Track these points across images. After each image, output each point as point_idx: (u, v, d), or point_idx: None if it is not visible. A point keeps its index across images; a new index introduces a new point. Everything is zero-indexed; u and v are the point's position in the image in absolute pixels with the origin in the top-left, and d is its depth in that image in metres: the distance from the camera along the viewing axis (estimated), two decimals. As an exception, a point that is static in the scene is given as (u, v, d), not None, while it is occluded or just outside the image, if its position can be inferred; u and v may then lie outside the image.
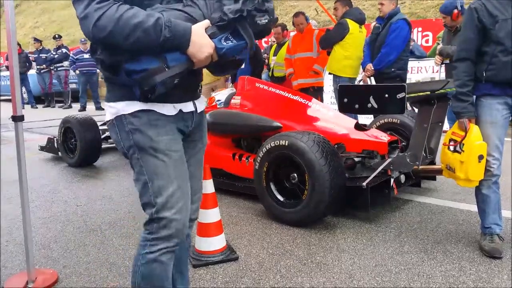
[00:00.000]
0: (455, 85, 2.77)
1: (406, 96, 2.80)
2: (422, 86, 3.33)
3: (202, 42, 1.48)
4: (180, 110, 1.65)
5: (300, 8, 12.76)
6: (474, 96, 2.74)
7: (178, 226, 1.62)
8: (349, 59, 5.62)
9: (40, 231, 3.33)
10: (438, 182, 4.12)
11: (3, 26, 2.56)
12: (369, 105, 2.92)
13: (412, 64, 7.18)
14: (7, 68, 11.78)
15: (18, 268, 2.75)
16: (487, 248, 2.72)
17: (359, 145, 3.67)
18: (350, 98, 3.04)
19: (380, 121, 4.31)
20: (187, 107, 1.68)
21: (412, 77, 7.12)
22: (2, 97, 15.28)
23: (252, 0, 1.50)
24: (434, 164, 3.59)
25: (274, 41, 7.70)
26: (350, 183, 3.27)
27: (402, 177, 3.50)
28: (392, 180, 3.36)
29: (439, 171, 3.06)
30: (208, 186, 2.80)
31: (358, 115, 5.38)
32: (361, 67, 5.70)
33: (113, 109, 1.62)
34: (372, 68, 5.21)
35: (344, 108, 3.16)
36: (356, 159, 3.57)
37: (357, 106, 3.00)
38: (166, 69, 1.47)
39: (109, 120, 1.67)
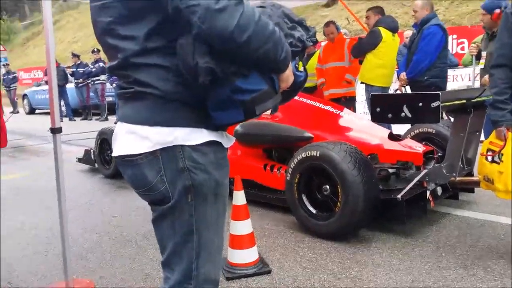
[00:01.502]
0: (492, 93, 2.69)
1: (441, 104, 2.73)
2: (457, 94, 3.25)
3: (291, 66, 1.27)
4: None
5: (331, 17, 12.73)
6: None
7: (217, 282, 1.40)
8: (382, 67, 5.55)
9: (77, 241, 3.41)
10: (477, 195, 3.97)
11: (43, 42, 2.66)
12: (403, 114, 2.87)
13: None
14: (46, 82, 12.22)
15: (57, 277, 2.82)
16: (531, 263, 2.61)
17: (393, 155, 3.61)
18: (383, 107, 2.99)
19: (415, 131, 4.21)
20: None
21: (447, 85, 6.95)
22: (42, 110, 15.90)
23: (307, 30, 1.36)
24: (472, 175, 3.48)
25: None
26: (384, 195, 3.20)
27: (439, 189, 3.40)
28: (428, 192, 3.27)
29: (477, 183, 2.96)
30: (240, 197, 2.81)
31: (392, 125, 5.29)
32: (396, 76, 5.61)
33: (160, 137, 1.21)
34: (405, 77, 5.11)
35: (377, 117, 3.12)
36: (390, 170, 3.50)
37: (390, 115, 2.95)
38: (276, 94, 1.24)
39: (145, 154, 1.23)
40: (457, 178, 3.17)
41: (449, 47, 8.19)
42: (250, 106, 1.19)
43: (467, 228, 3.34)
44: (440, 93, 2.79)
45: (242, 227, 2.78)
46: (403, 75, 5.15)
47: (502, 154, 2.59)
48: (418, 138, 4.09)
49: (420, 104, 2.80)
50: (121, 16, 1.23)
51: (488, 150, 2.70)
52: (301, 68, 1.39)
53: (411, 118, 2.90)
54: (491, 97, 2.73)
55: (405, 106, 2.86)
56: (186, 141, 1.22)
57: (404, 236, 3.22)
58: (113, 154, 1.34)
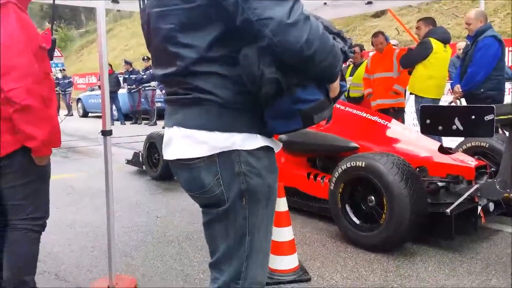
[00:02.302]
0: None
1: (496, 118, 2.62)
2: (514, 107, 3.09)
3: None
4: None
5: (380, 27, 12.52)
6: None
7: (263, 285, 1.40)
8: (433, 78, 5.39)
9: (122, 239, 3.51)
10: (532, 212, 3.77)
11: (97, 49, 2.77)
12: (454, 127, 2.77)
13: (502, 85, 6.71)
14: (99, 87, 12.70)
15: (102, 272, 2.91)
16: None
17: (443, 169, 3.49)
18: (433, 119, 2.90)
19: (467, 145, 4.06)
20: None
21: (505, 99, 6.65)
22: (95, 114, 16.57)
23: (345, 41, 1.35)
24: (528, 192, 3.30)
25: (351, 61, 7.60)
26: (432, 209, 3.10)
27: (491, 205, 3.25)
28: (479, 207, 3.14)
29: (534, 200, 2.81)
30: (282, 204, 2.79)
31: (443, 138, 5.12)
32: (449, 88, 5.43)
33: (218, 142, 1.24)
34: (460, 90, 4.94)
35: (427, 129, 3.02)
36: (440, 184, 3.38)
37: (440, 127, 2.85)
38: (330, 103, 1.28)
39: (203, 158, 1.26)
40: (511, 194, 3.02)
41: (505, 60, 7.87)
42: (309, 115, 1.22)
43: (520, 247, 3.17)
44: (494, 106, 2.67)
45: (283, 234, 2.76)
46: (458, 87, 4.99)
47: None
48: (470, 152, 3.93)
49: (473, 117, 2.69)
50: (183, 24, 1.24)
51: (547, 166, 2.56)
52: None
53: (463, 132, 2.78)
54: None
55: (457, 118, 2.75)
56: (243, 146, 1.25)
57: (451, 252, 3.10)
58: (168, 158, 1.35)
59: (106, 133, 2.70)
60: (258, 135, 1.27)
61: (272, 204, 1.36)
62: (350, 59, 7.83)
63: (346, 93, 7.32)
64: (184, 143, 1.28)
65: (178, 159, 1.31)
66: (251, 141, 1.26)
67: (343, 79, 1.39)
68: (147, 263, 3.06)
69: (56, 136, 2.11)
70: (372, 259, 3.01)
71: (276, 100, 1.20)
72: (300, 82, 1.19)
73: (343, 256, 3.08)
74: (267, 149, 1.30)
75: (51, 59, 2.28)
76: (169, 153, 1.34)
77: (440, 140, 4.74)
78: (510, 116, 2.89)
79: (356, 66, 7.27)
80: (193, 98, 1.26)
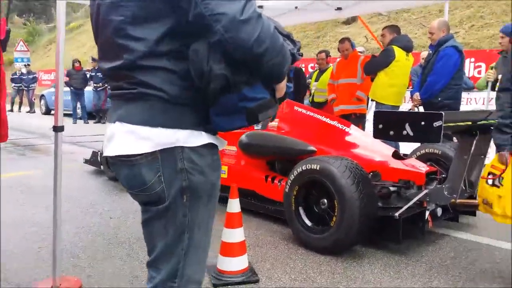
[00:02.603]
0: (498, 116, 2.64)
1: (445, 125, 2.68)
2: (463, 115, 3.19)
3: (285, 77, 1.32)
4: None
5: (350, 34, 12.70)
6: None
7: (200, 283, 1.40)
8: (393, 86, 5.49)
9: (72, 240, 3.41)
10: (478, 218, 3.88)
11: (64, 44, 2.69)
12: (405, 132, 2.83)
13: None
14: (67, 84, 12.39)
15: (47, 273, 2.81)
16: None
17: (395, 174, 3.56)
18: (385, 124, 2.95)
19: (421, 151, 4.16)
20: None
21: (461, 108, 6.84)
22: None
23: (294, 43, 1.36)
24: (474, 198, 3.40)
25: (317, 67, 7.69)
26: (382, 213, 3.16)
27: (439, 210, 3.35)
28: (427, 212, 3.22)
29: (477, 206, 2.89)
30: (234, 205, 2.79)
31: (400, 144, 5.22)
32: (410, 95, 5.54)
33: (162, 138, 1.22)
34: (419, 98, 5.05)
35: (379, 134, 3.07)
36: (392, 189, 3.45)
37: (392, 132, 2.91)
38: (276, 103, 1.30)
39: (145, 154, 1.23)
40: (458, 200, 3.11)
41: (466, 70, 8.11)
42: (254, 113, 1.23)
43: (463, 251, 3.27)
44: (443, 113, 2.74)
45: (234, 235, 2.75)
46: (417, 95, 5.09)
47: (503, 178, 2.53)
48: (424, 158, 4.03)
49: (423, 123, 2.76)
50: (134, 17, 1.22)
51: (489, 173, 2.65)
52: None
53: (413, 137, 2.85)
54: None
55: (407, 124, 2.82)
56: (186, 143, 1.23)
57: (398, 255, 3.16)
58: (109, 154, 1.31)
59: (57, 129, 2.64)
60: (202, 132, 1.26)
61: (214, 201, 1.36)
62: (317, 64, 7.93)
63: (310, 98, 7.39)
64: (126, 139, 1.25)
65: (119, 156, 1.28)
66: (195, 138, 1.25)
67: (289, 80, 1.40)
68: (95, 264, 2.98)
69: (3, 130, 2.03)
70: (322, 261, 3.04)
71: (223, 97, 1.20)
72: (248, 80, 1.20)
73: (293, 258, 3.09)
74: (211, 147, 1.29)
75: (4, 50, 2.22)
76: (110, 149, 1.31)
77: (397, 146, 4.83)
78: (459, 123, 2.97)
79: (321, 71, 7.34)
80: (137, 93, 1.24)
